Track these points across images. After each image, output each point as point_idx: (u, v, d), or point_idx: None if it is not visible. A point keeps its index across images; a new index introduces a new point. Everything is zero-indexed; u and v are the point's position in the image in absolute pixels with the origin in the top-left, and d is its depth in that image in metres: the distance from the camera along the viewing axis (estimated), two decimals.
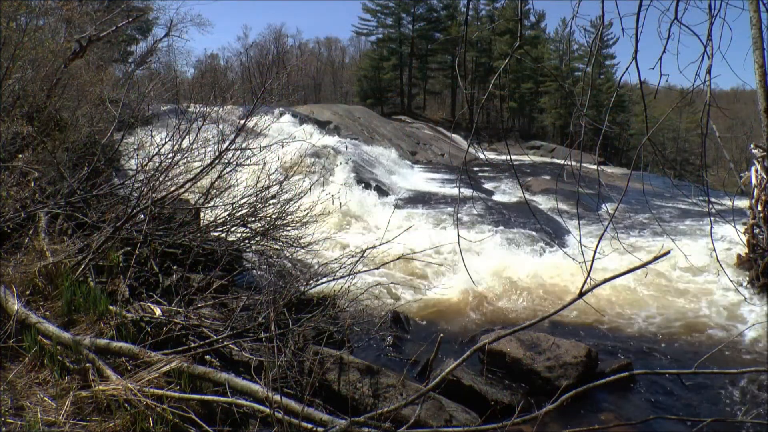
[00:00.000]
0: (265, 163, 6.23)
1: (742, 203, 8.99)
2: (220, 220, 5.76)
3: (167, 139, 5.94)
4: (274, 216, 5.84)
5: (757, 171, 8.44)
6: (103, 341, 3.34)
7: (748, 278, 8.45)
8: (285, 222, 5.90)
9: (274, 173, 6.34)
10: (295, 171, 6.82)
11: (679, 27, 2.52)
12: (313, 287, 4.97)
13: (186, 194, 5.70)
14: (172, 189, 5.29)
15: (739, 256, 8.92)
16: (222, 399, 3.11)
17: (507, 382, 5.17)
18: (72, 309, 3.74)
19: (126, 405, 2.90)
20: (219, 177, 5.86)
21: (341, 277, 4.78)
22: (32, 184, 5.30)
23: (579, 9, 2.63)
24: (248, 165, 6.12)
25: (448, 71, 45.95)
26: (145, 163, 5.99)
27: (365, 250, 4.74)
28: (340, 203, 11.85)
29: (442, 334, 5.19)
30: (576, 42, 44.17)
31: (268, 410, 2.95)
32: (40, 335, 3.35)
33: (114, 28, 12.50)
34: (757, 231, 8.48)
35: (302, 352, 4.06)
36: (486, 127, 42.54)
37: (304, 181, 6.94)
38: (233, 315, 3.99)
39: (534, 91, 45.12)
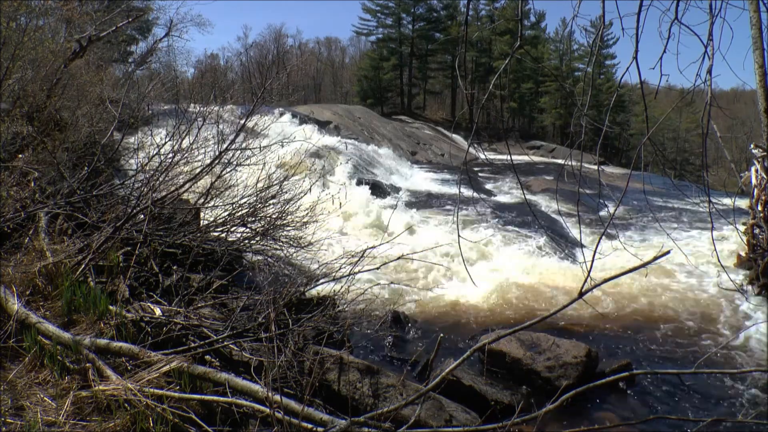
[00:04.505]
0: (265, 163, 6.23)
1: (743, 203, 9.00)
2: (220, 220, 5.76)
3: (167, 139, 5.95)
4: (274, 216, 5.84)
5: (757, 171, 8.44)
6: (103, 341, 3.34)
7: (748, 278, 8.45)
8: (285, 222, 5.89)
9: (274, 173, 6.33)
10: (295, 171, 6.81)
11: (679, 27, 2.51)
12: (313, 287, 4.96)
13: (186, 194, 5.70)
14: (172, 189, 5.29)
15: (739, 256, 8.92)
16: (222, 399, 3.11)
17: (507, 382, 5.17)
18: (72, 309, 3.74)
19: (126, 405, 2.90)
20: (219, 177, 5.86)
21: (341, 277, 4.77)
22: (32, 184, 5.30)
23: (579, 9, 2.63)
24: (248, 165, 6.12)
25: (448, 71, 45.93)
26: (145, 163, 5.99)
27: (365, 251, 4.74)
28: (340, 203, 11.84)
29: (442, 334, 5.19)
30: (576, 42, 44.29)
31: (268, 410, 2.95)
32: (40, 335, 3.34)
33: (114, 28, 12.49)
34: (757, 231, 8.49)
35: (302, 352, 4.06)
36: (486, 127, 42.52)
37: (304, 181, 6.93)
38: (233, 315, 3.98)
39: (534, 91, 45.10)
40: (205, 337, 3.82)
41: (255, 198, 5.88)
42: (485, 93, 5.67)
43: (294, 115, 22.34)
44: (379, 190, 15.73)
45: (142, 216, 4.92)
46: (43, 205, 4.91)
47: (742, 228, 8.61)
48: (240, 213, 5.78)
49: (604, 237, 2.97)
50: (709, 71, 2.49)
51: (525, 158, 25.90)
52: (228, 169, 5.90)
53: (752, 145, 8.70)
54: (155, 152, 5.84)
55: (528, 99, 45.57)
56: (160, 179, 5.38)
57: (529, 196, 16.62)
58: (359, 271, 4.74)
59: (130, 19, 14.61)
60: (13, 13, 7.92)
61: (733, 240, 8.92)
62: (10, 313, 3.45)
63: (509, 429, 3.04)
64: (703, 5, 2.50)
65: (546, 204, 15.79)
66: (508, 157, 3.11)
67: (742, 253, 8.82)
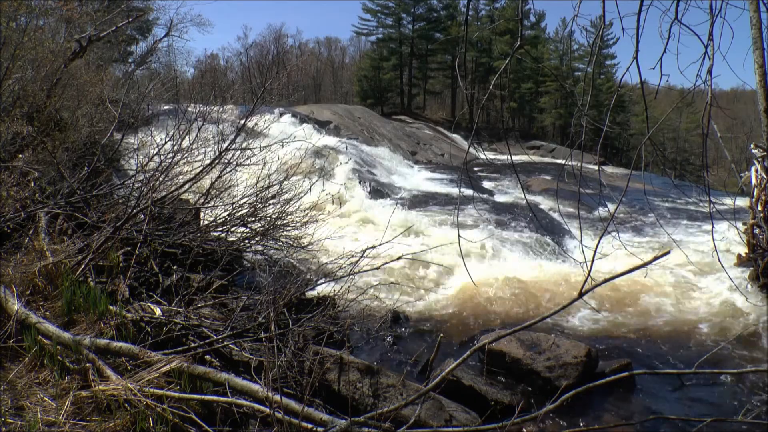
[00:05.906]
0: (265, 163, 6.23)
1: (743, 203, 8.99)
2: (220, 220, 5.77)
3: (167, 139, 5.95)
4: (274, 216, 5.84)
5: (757, 171, 8.44)
6: (103, 341, 3.34)
7: (748, 278, 8.45)
8: (285, 222, 5.90)
9: (274, 173, 6.34)
10: (295, 171, 6.81)
11: (679, 27, 2.52)
12: (313, 287, 4.96)
13: (186, 194, 5.70)
14: (172, 189, 5.29)
15: (739, 256, 8.92)
16: (222, 399, 3.11)
17: (507, 382, 5.17)
18: (72, 309, 3.74)
19: (126, 405, 2.90)
20: (219, 177, 5.86)
21: (341, 277, 4.77)
22: (32, 184, 5.30)
23: (579, 9, 2.63)
24: (248, 165, 6.12)
25: (448, 71, 45.91)
26: (145, 163, 6.00)
27: (365, 251, 4.74)
28: (340, 203, 11.85)
29: (442, 334, 5.20)
30: (576, 42, 44.27)
31: (268, 410, 2.95)
32: (40, 335, 3.34)
33: (114, 28, 12.48)
34: (757, 231, 8.48)
35: (302, 352, 4.06)
36: (486, 127, 42.48)
37: (304, 181, 6.94)
38: (233, 315, 3.98)
39: (534, 91, 45.09)
40: (205, 337, 3.82)
41: (255, 198, 5.89)
42: (485, 93, 5.67)
43: (294, 115, 22.33)
44: (378, 190, 15.73)
45: (142, 216, 4.92)
46: (43, 205, 4.91)
47: (742, 228, 8.61)
48: (240, 213, 5.79)
49: (604, 237, 2.97)
50: (710, 71, 2.49)
51: (525, 158, 25.87)
52: (228, 169, 5.91)
53: (752, 145, 8.69)
54: (155, 152, 5.84)
55: (528, 99, 45.55)
56: (160, 179, 5.39)
57: (529, 196, 16.63)
58: (359, 271, 4.75)
59: (130, 19, 14.60)
60: (13, 13, 7.92)
61: (733, 240, 8.91)
62: (10, 313, 3.46)
63: (509, 429, 3.04)
64: (703, 5, 2.50)
65: (546, 204, 15.78)
66: (508, 157, 3.12)
67: (743, 253, 8.81)
